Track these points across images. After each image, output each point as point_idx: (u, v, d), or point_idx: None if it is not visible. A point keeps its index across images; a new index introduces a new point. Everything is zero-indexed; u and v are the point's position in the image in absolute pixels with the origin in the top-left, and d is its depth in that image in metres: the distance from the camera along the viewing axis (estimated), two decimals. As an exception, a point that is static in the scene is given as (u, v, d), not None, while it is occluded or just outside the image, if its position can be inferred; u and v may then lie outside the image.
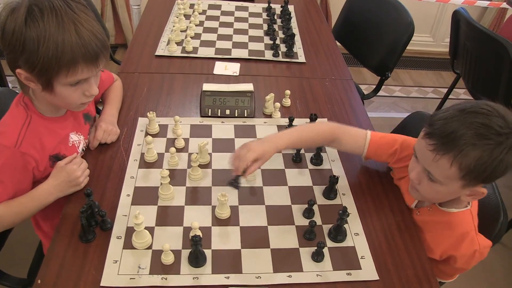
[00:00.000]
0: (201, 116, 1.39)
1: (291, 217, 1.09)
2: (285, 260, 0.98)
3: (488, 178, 0.94)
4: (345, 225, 1.05)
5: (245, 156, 1.04)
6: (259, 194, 1.14)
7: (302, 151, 1.28)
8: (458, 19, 2.20)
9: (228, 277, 0.93)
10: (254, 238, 1.02)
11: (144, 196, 1.10)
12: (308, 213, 1.09)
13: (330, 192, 1.16)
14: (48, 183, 1.05)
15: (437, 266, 1.11)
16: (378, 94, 2.19)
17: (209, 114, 1.39)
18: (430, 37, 3.66)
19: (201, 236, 0.93)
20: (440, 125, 0.93)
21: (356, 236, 1.06)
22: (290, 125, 1.36)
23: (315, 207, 1.12)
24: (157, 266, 0.94)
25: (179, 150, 1.24)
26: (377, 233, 1.08)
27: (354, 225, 1.08)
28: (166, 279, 0.92)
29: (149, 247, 0.98)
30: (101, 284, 0.89)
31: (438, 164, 0.94)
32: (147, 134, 1.28)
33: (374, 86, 2.17)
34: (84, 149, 1.20)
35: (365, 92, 2.26)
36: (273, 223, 1.06)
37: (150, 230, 1.01)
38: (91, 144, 1.20)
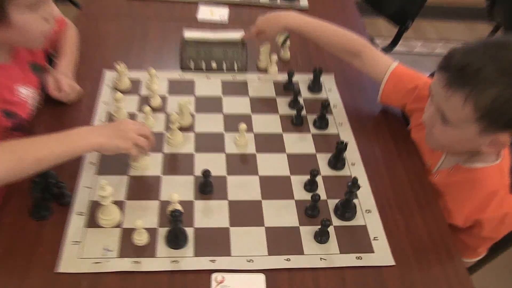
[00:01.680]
0: (182, 70, 1.38)
1: (289, 190, 1.09)
2: (282, 240, 0.98)
3: (509, 124, 0.94)
4: (355, 200, 1.06)
5: None
6: (251, 162, 1.14)
7: (304, 113, 1.28)
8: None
9: (214, 261, 0.93)
10: (246, 214, 1.02)
11: (112, 164, 1.09)
12: (311, 186, 1.09)
13: (337, 161, 1.15)
14: (84, 127, 1.00)
15: (461, 238, 1.13)
16: (396, 49, 2.16)
17: (192, 68, 1.38)
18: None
19: (181, 211, 0.92)
20: (457, 58, 0.94)
21: (368, 213, 1.06)
22: (289, 81, 1.36)
23: (319, 179, 1.12)
24: (128, 248, 0.93)
25: (155, 110, 1.23)
26: (393, 210, 1.08)
27: (365, 200, 1.09)
28: (138, 262, 0.91)
29: (118, 225, 0.97)
30: (58, 271, 0.88)
31: (451, 102, 0.95)
32: (116, 90, 1.27)
33: (391, 40, 2.14)
34: (37, 105, 1.17)
35: (380, 47, 2.22)
36: (268, 197, 1.07)
37: (120, 204, 1.00)
38: (50, 93, 1.17)
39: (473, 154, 1.08)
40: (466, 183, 1.09)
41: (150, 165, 1.10)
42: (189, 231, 0.97)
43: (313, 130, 1.26)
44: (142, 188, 1.05)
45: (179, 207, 0.97)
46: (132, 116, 1.22)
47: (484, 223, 1.07)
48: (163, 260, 0.92)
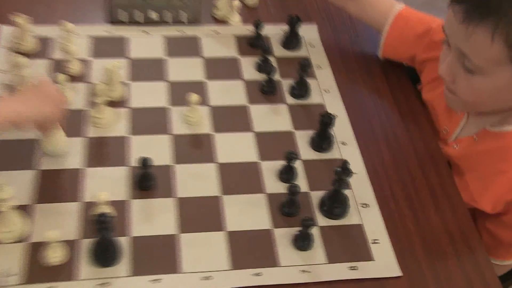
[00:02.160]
0: (110, 23, 1.37)
1: (259, 182, 1.10)
2: (251, 249, 0.99)
3: None
4: (346, 192, 1.06)
5: None
6: (207, 146, 1.15)
7: (277, 77, 1.29)
8: None
9: (158, 280, 0.92)
10: (200, 215, 1.03)
11: (13, 155, 1.08)
12: (287, 174, 1.09)
13: (322, 140, 1.16)
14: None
15: (490, 229, 1.15)
16: None
17: (123, 20, 1.37)
18: None
19: (111, 215, 0.91)
20: None
21: (365, 208, 1.07)
22: (257, 36, 1.36)
23: (298, 165, 1.12)
24: (38, 269, 0.91)
25: (73, 79, 1.21)
26: (398, 202, 1.09)
27: (361, 191, 1.10)
28: None
29: (22, 239, 0.95)
30: None
31: (473, 40, 0.96)
32: (17, 53, 1.22)
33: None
34: None
35: None
36: (230, 191, 1.07)
37: (24, 210, 0.99)
38: None
39: (502, 113, 1.10)
40: (496, 152, 1.11)
41: (68, 153, 1.09)
42: (123, 242, 0.96)
43: (289, 100, 1.27)
44: (57, 186, 1.04)
45: (108, 210, 0.96)
46: None
47: None
48: (86, 283, 0.91)
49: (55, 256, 0.92)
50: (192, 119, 1.17)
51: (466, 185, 1.14)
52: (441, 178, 1.14)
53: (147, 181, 1.05)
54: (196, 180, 1.08)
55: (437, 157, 1.18)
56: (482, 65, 0.99)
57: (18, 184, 1.01)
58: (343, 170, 1.01)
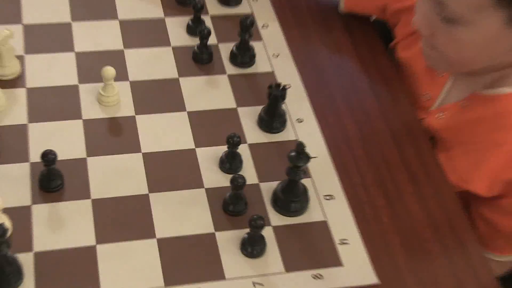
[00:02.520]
0: None
1: (196, 173, 1.10)
2: (188, 259, 0.99)
3: None
4: (304, 181, 1.07)
5: None
6: (128, 132, 1.15)
7: (213, 40, 1.30)
8: None
9: None
10: (122, 220, 1.02)
11: None
12: (230, 163, 1.10)
13: (272, 117, 1.18)
14: None
15: (485, 215, 1.17)
16: None
17: None
18: None
19: (6, 227, 0.86)
20: None
21: (329, 200, 1.08)
22: None
23: (244, 150, 1.13)
24: None
25: None
26: (370, 191, 1.11)
27: (324, 180, 1.11)
28: None
29: None
30: None
31: None
32: None
33: None
34: None
35: None
36: (160, 187, 1.07)
37: None
38: None
39: (494, 72, 1.13)
40: (490, 120, 1.14)
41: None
42: (25, 260, 0.94)
43: (230, 69, 1.28)
44: None
45: (4, 219, 0.94)
46: None
47: None
48: None
49: None
50: (108, 99, 1.17)
51: (454, 163, 1.17)
52: (421, 157, 1.17)
53: (52, 181, 1.04)
54: (116, 176, 1.08)
55: (415, 131, 1.21)
56: (462, 12, 1.01)
57: None
58: (298, 155, 1.00)
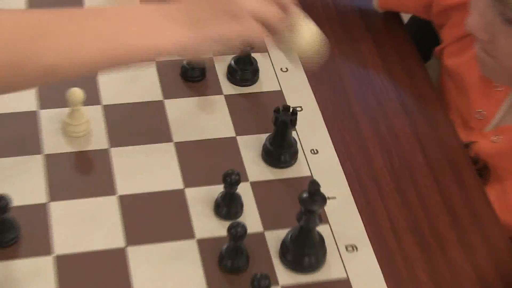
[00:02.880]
0: None
1: (185, 220, 1.09)
2: None
3: None
4: (321, 229, 1.06)
5: None
6: (99, 168, 1.16)
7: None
8: None
9: None
10: (94, 280, 1.01)
11: None
12: (228, 206, 1.10)
13: (280, 148, 1.17)
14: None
15: None
16: None
17: None
18: None
19: None
20: None
21: (351, 252, 1.07)
22: None
23: (245, 189, 1.12)
24: None
25: None
26: (403, 238, 1.10)
27: (345, 227, 1.11)
28: None
29: None
30: None
31: None
32: None
33: None
34: None
35: None
36: (139, 239, 1.06)
37: None
38: None
39: None
40: None
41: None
42: None
43: (227, 88, 1.28)
44: None
45: None
46: None
47: None
48: None
49: None
50: (76, 128, 1.16)
51: (509, 199, 1.18)
52: (467, 194, 1.16)
53: (5, 233, 1.03)
54: (85, 226, 1.07)
55: (460, 162, 1.21)
56: None
57: None
58: (312, 196, 0.99)
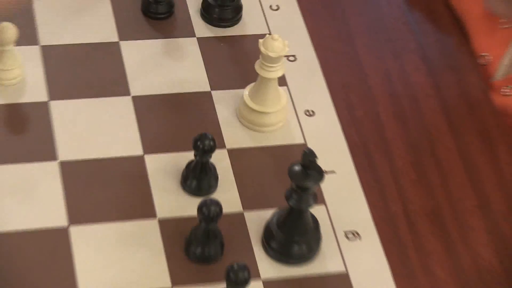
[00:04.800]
0: None
1: (144, 195, 1.07)
2: None
3: None
4: (316, 210, 1.04)
5: None
6: (37, 125, 1.14)
7: None
8: None
9: None
10: (28, 270, 0.99)
11: None
12: (199, 179, 1.08)
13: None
14: None
15: None
16: None
17: None
18: None
19: None
20: None
21: (353, 241, 1.06)
22: None
23: (221, 158, 1.12)
24: None
25: None
26: (417, 224, 1.09)
27: (345, 210, 1.09)
28: None
29: None
30: None
31: None
32: None
33: None
34: None
35: None
36: (86, 217, 1.03)
37: None
38: None
39: None
40: None
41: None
42: None
43: (201, 28, 1.29)
44: None
45: None
46: None
47: None
48: None
49: None
50: (7, 75, 1.15)
51: None
52: (501, 173, 1.16)
53: None
54: (18, 199, 1.04)
55: (492, 132, 1.21)
56: None
57: None
58: (305, 169, 0.97)
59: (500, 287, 1.03)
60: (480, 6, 1.29)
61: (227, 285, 0.91)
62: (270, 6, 1.31)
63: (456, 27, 1.35)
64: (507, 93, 1.26)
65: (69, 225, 1.02)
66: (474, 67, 1.29)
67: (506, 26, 1.28)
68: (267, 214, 1.03)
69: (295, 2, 1.33)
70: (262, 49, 1.10)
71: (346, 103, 1.20)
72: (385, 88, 1.24)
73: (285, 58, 1.17)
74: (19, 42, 1.15)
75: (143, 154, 1.10)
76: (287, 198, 0.97)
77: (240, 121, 1.18)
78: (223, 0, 1.27)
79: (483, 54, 1.30)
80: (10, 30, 1.12)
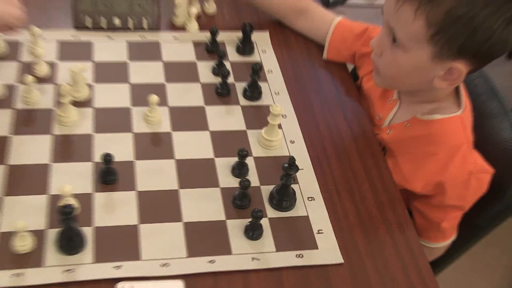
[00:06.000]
0: (76, 28, 1.36)
1: (213, 176, 1.10)
2: (205, 238, 0.99)
3: (466, 48, 1.01)
4: (294, 186, 1.08)
5: None
6: (166, 143, 1.15)
7: (231, 80, 1.30)
8: None
9: (119, 267, 0.93)
10: (159, 207, 1.03)
11: None
12: (239, 170, 1.10)
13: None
14: None
15: (421, 209, 1.20)
16: (356, 2, 2.24)
17: (89, 25, 1.36)
18: None
19: (74, 206, 0.90)
20: None
21: (311, 201, 1.09)
22: (213, 41, 1.37)
23: (250, 161, 1.13)
24: (6, 257, 0.91)
25: (40, 80, 1.21)
26: (341, 195, 1.11)
27: (308, 186, 1.11)
28: (21, 275, 0.89)
29: None
30: None
31: (400, 15, 1.03)
32: None
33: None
34: None
35: None
36: (187, 185, 1.08)
37: None
38: None
39: (431, 103, 1.17)
40: (425, 137, 1.16)
41: (35, 150, 1.09)
42: (87, 232, 0.97)
43: (242, 101, 1.28)
44: (25, 180, 1.04)
45: (72, 201, 0.96)
46: (10, 88, 1.19)
47: (447, 185, 1.12)
48: (53, 269, 0.91)
49: (23, 244, 0.92)
50: (152, 119, 1.18)
51: (399, 167, 1.18)
52: (377, 164, 1.18)
53: (109, 176, 1.05)
54: (155, 175, 1.08)
55: (373, 145, 1.22)
56: (405, 40, 1.05)
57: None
58: (290, 166, 1.02)
59: (377, 224, 1.07)
60: (378, 91, 1.28)
61: (252, 219, 0.98)
62: (275, 92, 1.30)
63: (366, 100, 1.33)
64: (390, 133, 1.22)
65: (179, 188, 1.07)
66: (372, 119, 1.30)
67: (390, 102, 1.25)
68: (271, 187, 1.08)
69: (285, 89, 1.31)
70: (271, 110, 1.12)
71: (310, 138, 1.20)
72: (328, 132, 1.23)
73: (281, 115, 1.19)
74: (159, 104, 1.17)
75: (214, 158, 1.13)
76: (281, 179, 1.03)
77: (259, 144, 1.18)
78: (253, 88, 1.27)
79: (378, 114, 1.28)
80: (155, 97, 1.14)
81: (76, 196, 0.99)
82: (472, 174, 1.11)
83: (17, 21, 1.13)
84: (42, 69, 1.23)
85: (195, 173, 1.11)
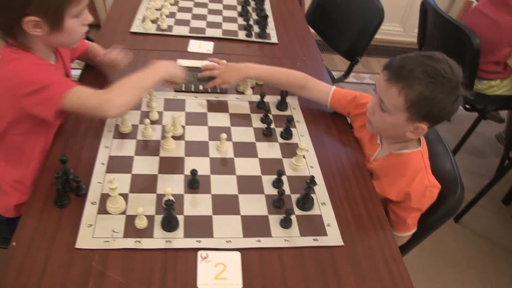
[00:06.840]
0: (175, 91, 1.38)
1: (260, 187, 1.09)
2: (254, 226, 0.99)
3: (428, 116, 1.04)
4: (312, 195, 1.07)
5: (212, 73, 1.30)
6: (230, 164, 1.15)
7: (272, 126, 1.29)
8: (426, 8, 2.25)
9: (199, 241, 0.94)
10: (225, 205, 1.03)
11: (118, 165, 1.09)
12: (277, 183, 1.09)
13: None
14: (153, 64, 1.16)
15: (394, 210, 1.16)
16: (348, 80, 2.23)
17: (183, 89, 1.38)
18: (400, 27, 3.67)
19: (173, 201, 0.93)
20: (397, 60, 1.05)
21: (323, 205, 1.07)
22: (261, 101, 1.38)
23: (284, 178, 1.12)
24: (131, 230, 0.94)
25: (153, 122, 1.23)
26: (342, 202, 1.10)
27: (321, 195, 1.10)
28: (139, 242, 0.92)
29: (123, 213, 0.97)
30: (76, 246, 0.89)
31: (389, 92, 1.04)
32: None
33: (344, 72, 2.20)
34: None
35: (336, 77, 2.26)
36: (243, 191, 1.07)
37: (124, 196, 1.00)
38: None
39: (401, 143, 1.15)
40: (398, 165, 1.15)
41: (148, 164, 1.09)
42: (180, 218, 0.98)
43: (280, 140, 1.26)
44: (143, 184, 1.05)
45: (172, 198, 0.97)
46: (134, 127, 1.21)
47: (411, 194, 1.11)
48: (159, 240, 0.93)
49: (141, 223, 0.95)
50: (222, 149, 1.17)
51: (381, 184, 1.16)
52: (366, 183, 1.16)
53: (194, 183, 1.06)
54: (223, 184, 1.08)
55: (364, 171, 1.20)
56: (391, 108, 1.06)
57: (121, 182, 1.03)
58: (311, 181, 1.02)
59: (365, 222, 1.04)
60: (368, 137, 1.23)
61: (285, 214, 0.97)
62: (301, 134, 1.26)
63: (358, 142, 1.28)
64: (375, 164, 1.18)
65: (238, 193, 1.05)
66: (363, 155, 1.24)
67: (376, 144, 1.21)
68: (297, 195, 1.06)
69: (308, 133, 1.27)
70: (298, 145, 1.10)
71: (323, 165, 1.17)
72: (334, 162, 1.20)
73: (305, 149, 1.17)
74: (226, 139, 1.18)
75: (261, 175, 1.11)
76: (304, 190, 1.03)
77: (290, 167, 1.15)
78: (286, 131, 1.22)
79: (368, 152, 1.23)
80: (224, 134, 1.14)
81: (173, 195, 1.01)
82: (427, 188, 1.10)
83: (180, 80, 1.20)
84: (154, 115, 1.25)
85: (249, 184, 1.09)
